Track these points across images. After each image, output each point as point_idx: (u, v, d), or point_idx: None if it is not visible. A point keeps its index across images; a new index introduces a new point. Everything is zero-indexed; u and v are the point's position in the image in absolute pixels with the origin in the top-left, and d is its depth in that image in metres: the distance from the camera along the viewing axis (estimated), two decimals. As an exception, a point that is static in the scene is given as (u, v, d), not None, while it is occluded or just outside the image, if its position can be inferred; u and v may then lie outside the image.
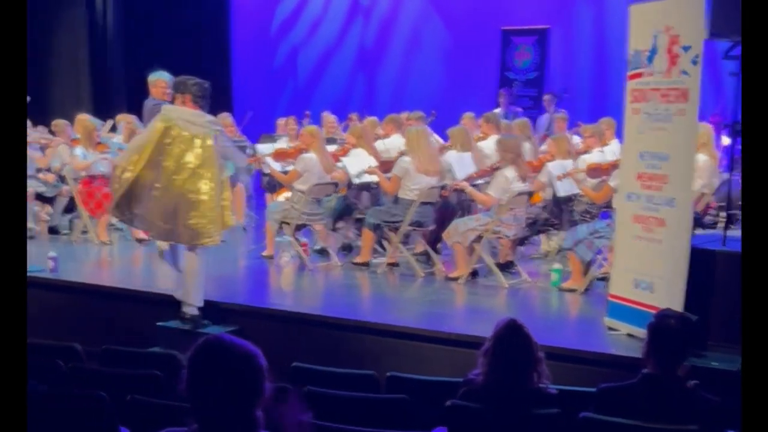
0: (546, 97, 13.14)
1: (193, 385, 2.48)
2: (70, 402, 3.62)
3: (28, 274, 8.04)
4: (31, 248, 8.52)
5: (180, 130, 6.61)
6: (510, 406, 3.90)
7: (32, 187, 10.08)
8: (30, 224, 9.56)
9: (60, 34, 14.31)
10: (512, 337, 4.01)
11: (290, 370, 5.09)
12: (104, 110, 12.56)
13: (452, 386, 4.37)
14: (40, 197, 10.44)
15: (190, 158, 6.61)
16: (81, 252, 9.49)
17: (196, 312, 6.99)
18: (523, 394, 3.94)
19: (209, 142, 6.66)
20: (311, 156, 8.70)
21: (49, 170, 10.73)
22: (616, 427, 3.73)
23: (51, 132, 11.01)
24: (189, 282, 6.99)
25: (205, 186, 6.63)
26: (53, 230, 10.47)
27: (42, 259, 8.38)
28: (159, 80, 8.59)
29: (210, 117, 6.92)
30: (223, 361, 2.48)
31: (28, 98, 8.94)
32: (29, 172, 9.97)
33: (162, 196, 6.65)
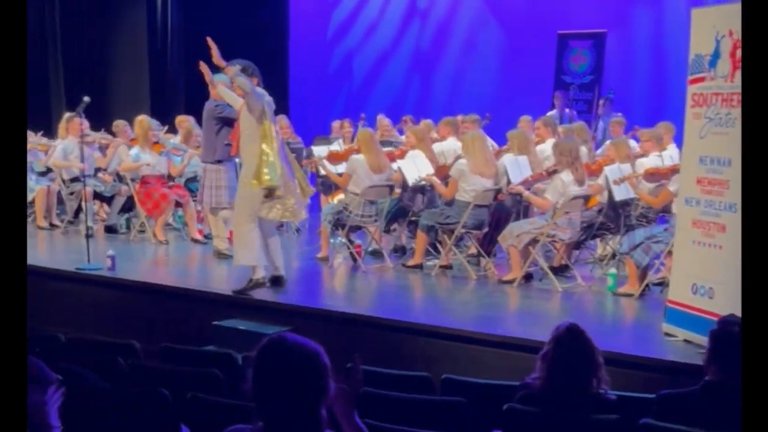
0: (601, 102, 13.02)
1: (258, 384, 2.49)
2: (133, 399, 3.65)
3: (87, 271, 8.22)
4: (90, 246, 8.70)
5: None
6: (568, 411, 3.87)
7: (91, 186, 10.25)
8: (88, 223, 9.70)
9: (120, 36, 14.52)
10: (572, 341, 3.97)
11: (345, 371, 5.11)
12: (163, 111, 12.72)
13: (508, 390, 4.35)
14: (99, 196, 10.60)
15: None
16: (138, 251, 9.62)
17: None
18: (582, 400, 3.90)
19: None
20: (359, 158, 8.75)
21: (105, 170, 10.91)
22: (675, 434, 3.68)
23: (111, 133, 11.18)
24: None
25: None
26: (110, 229, 10.64)
27: (100, 257, 8.53)
28: (220, 82, 8.68)
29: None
30: (287, 360, 2.49)
31: (88, 98, 9.16)
32: (89, 171, 10.14)
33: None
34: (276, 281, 7.75)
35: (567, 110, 13.14)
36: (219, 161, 8.71)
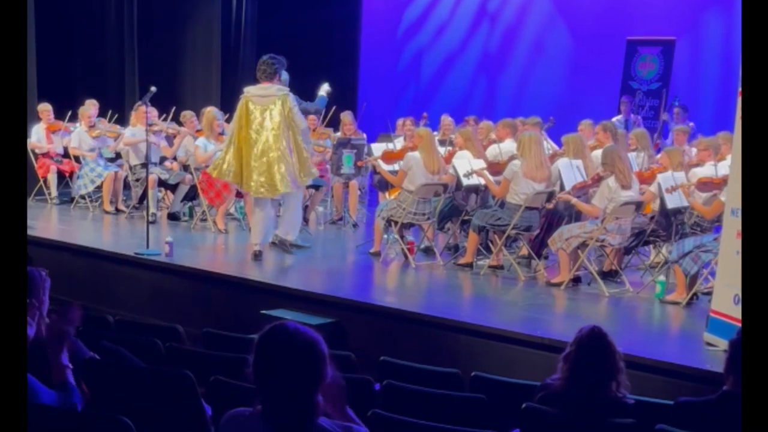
0: (676, 110, 12.89)
1: (258, 368, 2.63)
2: (161, 378, 3.82)
3: (145, 256, 8.48)
4: (152, 232, 8.97)
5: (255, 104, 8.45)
6: (586, 413, 3.91)
7: (156, 173, 10.55)
8: (152, 209, 10.00)
9: (195, 28, 14.84)
10: (595, 344, 4.00)
11: (378, 363, 5.22)
12: (232, 104, 12.96)
13: (533, 389, 4.41)
14: (163, 184, 10.89)
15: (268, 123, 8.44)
16: (198, 238, 9.86)
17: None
18: (600, 402, 3.94)
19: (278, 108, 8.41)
20: (415, 155, 8.85)
21: (175, 159, 11.20)
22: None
23: (179, 123, 11.47)
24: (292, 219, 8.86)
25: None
26: (173, 216, 10.91)
27: (161, 243, 8.78)
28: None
29: (278, 86, 8.54)
30: (286, 347, 2.63)
31: (154, 88, 9.44)
32: (154, 159, 10.43)
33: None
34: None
35: (633, 116, 13.05)
36: None
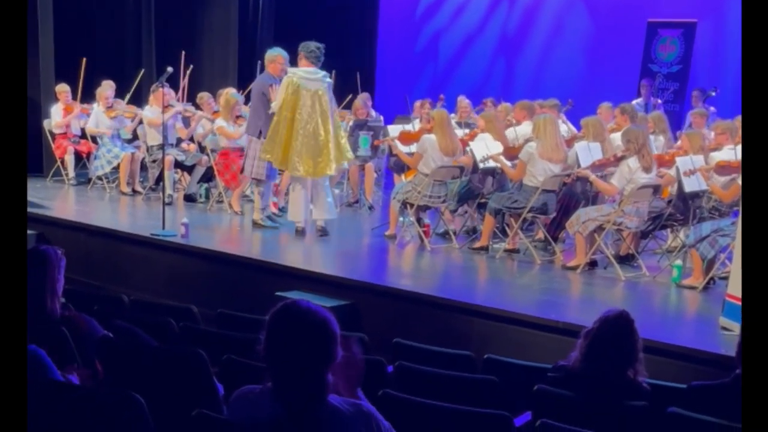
0: (694, 93, 12.81)
1: (269, 346, 2.63)
2: (174, 357, 3.83)
3: (161, 237, 8.51)
4: (168, 213, 9.00)
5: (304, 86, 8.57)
6: (600, 394, 3.90)
7: (172, 155, 10.57)
8: (168, 191, 10.02)
9: (213, 11, 14.81)
10: (619, 326, 3.99)
11: (391, 345, 5.23)
12: (249, 85, 12.96)
13: (545, 372, 4.40)
14: (180, 165, 10.91)
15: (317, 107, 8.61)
16: (213, 220, 9.87)
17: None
18: (616, 384, 3.92)
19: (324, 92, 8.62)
20: (430, 137, 8.82)
21: (192, 140, 11.22)
22: (703, 424, 3.67)
23: (196, 105, 11.47)
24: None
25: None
26: (189, 198, 10.93)
27: (177, 224, 8.80)
28: (279, 56, 9.01)
29: (323, 72, 8.71)
30: (297, 325, 2.62)
31: (171, 69, 9.45)
32: (170, 141, 10.45)
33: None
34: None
35: (653, 99, 12.96)
36: (261, 134, 8.96)
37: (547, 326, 6.38)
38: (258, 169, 9.06)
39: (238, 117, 10.55)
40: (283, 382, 2.64)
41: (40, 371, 3.03)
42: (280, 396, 2.65)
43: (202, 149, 11.08)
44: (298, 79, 8.60)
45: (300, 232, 8.95)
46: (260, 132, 8.94)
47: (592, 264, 8.08)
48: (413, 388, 4.01)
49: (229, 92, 11.00)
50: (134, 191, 11.27)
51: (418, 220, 9.05)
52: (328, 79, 8.80)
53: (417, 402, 3.72)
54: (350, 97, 12.14)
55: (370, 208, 11.10)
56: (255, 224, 9.37)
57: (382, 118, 11.68)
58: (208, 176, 10.98)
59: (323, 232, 9.02)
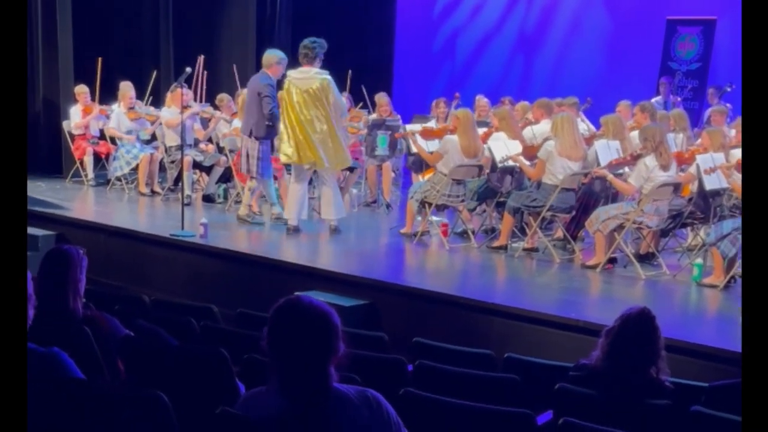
0: (710, 90, 12.75)
1: (272, 341, 2.66)
2: (195, 357, 3.84)
3: (180, 237, 8.53)
4: (186, 214, 9.03)
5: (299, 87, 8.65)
6: (622, 392, 3.88)
7: (191, 156, 10.60)
8: (187, 191, 10.05)
9: (231, 9, 14.84)
10: (641, 323, 3.96)
11: (411, 344, 5.22)
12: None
13: (568, 370, 4.38)
14: (198, 166, 10.94)
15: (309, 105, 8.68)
16: (232, 220, 9.88)
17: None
18: (638, 383, 3.90)
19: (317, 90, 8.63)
20: (452, 138, 8.80)
21: (210, 141, 11.25)
22: (726, 423, 3.65)
23: (214, 106, 11.51)
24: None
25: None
26: (207, 198, 10.96)
27: (195, 225, 8.83)
28: (274, 56, 9.15)
29: (317, 69, 8.71)
30: (300, 320, 2.66)
31: (189, 69, 9.48)
32: (188, 142, 10.48)
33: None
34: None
35: (672, 97, 12.90)
36: (252, 133, 9.10)
37: (567, 325, 6.37)
38: (250, 167, 9.17)
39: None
40: (287, 377, 2.68)
41: (63, 372, 3.04)
42: (285, 391, 2.68)
43: (220, 150, 11.11)
44: (291, 79, 8.80)
45: (292, 231, 9.01)
46: (251, 131, 9.05)
47: (611, 262, 8.04)
48: (434, 387, 4.00)
49: (246, 93, 11.00)
50: (153, 192, 11.31)
51: (435, 220, 9.05)
52: (326, 77, 8.73)
53: (438, 400, 3.72)
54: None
55: (388, 207, 11.09)
56: (240, 219, 9.54)
57: (399, 117, 11.67)
58: (226, 177, 11.02)
59: (336, 231, 9.10)
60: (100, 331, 3.87)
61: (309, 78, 8.68)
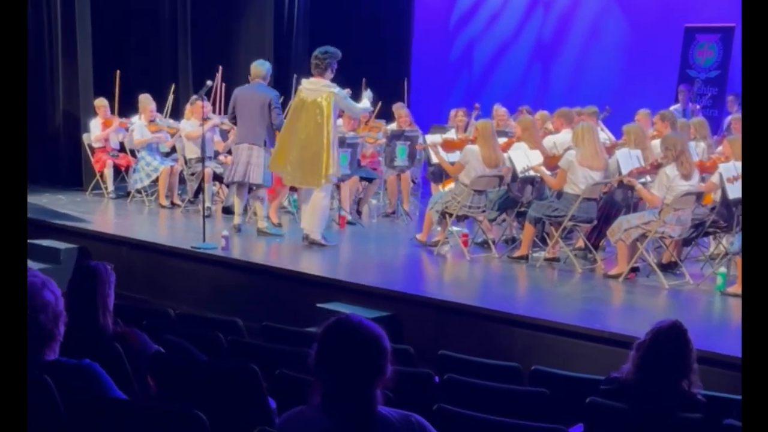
0: (729, 98, 12.70)
1: (320, 360, 2.64)
2: (225, 372, 3.84)
3: (202, 250, 8.55)
4: (207, 226, 9.04)
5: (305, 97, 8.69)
6: (654, 406, 3.85)
7: (210, 168, 10.63)
8: (207, 203, 10.08)
9: (248, 23, 14.89)
10: (672, 337, 3.94)
11: (437, 357, 5.20)
12: (286, 95, 13.01)
13: (596, 384, 4.36)
14: (218, 178, 10.96)
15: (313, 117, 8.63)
16: (252, 232, 9.87)
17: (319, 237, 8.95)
18: (670, 396, 3.87)
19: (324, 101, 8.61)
20: (473, 148, 8.79)
21: (229, 153, 11.26)
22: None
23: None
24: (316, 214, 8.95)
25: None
26: (227, 210, 10.96)
27: (216, 237, 8.84)
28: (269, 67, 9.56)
29: (326, 81, 8.70)
30: (350, 340, 2.63)
31: (210, 83, 9.52)
32: (208, 154, 10.50)
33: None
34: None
35: (691, 105, 12.86)
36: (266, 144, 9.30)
37: (591, 336, 6.33)
38: (254, 174, 9.29)
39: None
40: (333, 397, 2.65)
41: (96, 385, 3.04)
42: (330, 411, 2.66)
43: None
44: (302, 89, 8.86)
45: (307, 238, 9.01)
46: (265, 141, 9.23)
47: (634, 272, 8.01)
48: (462, 401, 3.98)
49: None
50: (173, 204, 11.34)
51: (455, 230, 9.03)
52: (333, 90, 8.70)
53: (471, 416, 3.70)
54: (380, 104, 12.15)
55: (406, 214, 11.09)
56: (260, 233, 9.52)
57: (418, 127, 11.67)
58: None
59: (307, 241, 9.00)
60: (130, 346, 3.87)
61: (317, 90, 8.70)
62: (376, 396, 2.64)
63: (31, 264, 8.95)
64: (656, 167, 7.97)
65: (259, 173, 9.28)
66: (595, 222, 8.48)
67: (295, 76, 12.30)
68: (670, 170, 7.69)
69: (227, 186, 11.05)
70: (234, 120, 9.52)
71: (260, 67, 9.47)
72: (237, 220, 9.71)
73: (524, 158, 8.79)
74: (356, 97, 9.63)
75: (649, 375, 3.87)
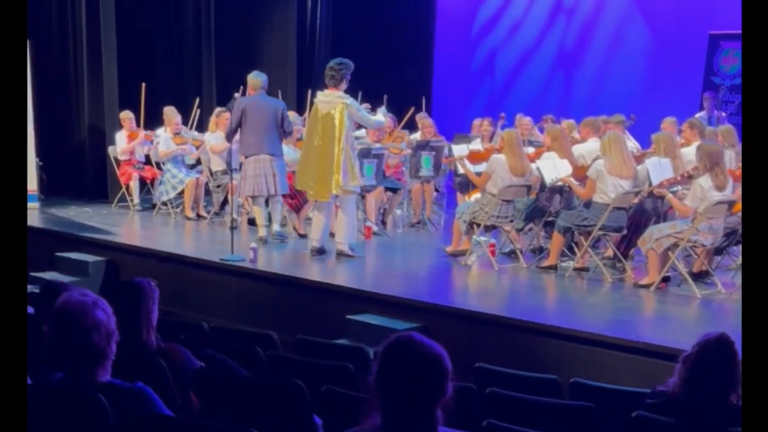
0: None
1: (381, 379, 2.60)
2: (270, 388, 3.82)
3: (231, 262, 8.54)
4: (235, 238, 9.04)
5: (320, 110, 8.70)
6: (703, 421, 3.80)
7: (236, 179, 10.62)
8: (233, 215, 10.07)
9: (271, 35, 14.95)
10: (720, 350, 3.89)
11: (473, 370, 5.17)
12: (309, 108, 13.05)
13: (639, 397, 4.32)
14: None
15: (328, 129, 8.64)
16: (278, 244, 9.88)
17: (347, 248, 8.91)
18: (718, 410, 3.82)
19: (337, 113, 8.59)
20: (500, 158, 8.77)
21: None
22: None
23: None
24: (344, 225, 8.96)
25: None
26: (253, 222, 10.95)
27: (243, 248, 8.85)
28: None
29: (339, 93, 8.69)
30: (412, 360, 2.59)
31: (238, 95, 9.55)
32: (234, 166, 10.51)
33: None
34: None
35: (716, 112, 12.78)
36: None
37: (627, 347, 6.28)
38: (277, 185, 9.53)
39: (298, 140, 10.58)
40: (394, 417, 2.62)
41: (149, 409, 3.04)
42: (391, 431, 2.62)
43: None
44: (317, 101, 8.89)
45: (315, 251, 9.01)
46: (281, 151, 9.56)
47: (665, 281, 7.95)
48: (506, 416, 3.96)
49: (290, 115, 11.06)
50: (198, 216, 11.36)
51: (482, 240, 9.01)
52: (346, 101, 8.68)
53: (515, 430, 3.67)
54: (412, 110, 12.17)
55: (429, 222, 11.07)
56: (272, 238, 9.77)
57: (443, 138, 11.66)
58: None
59: (315, 253, 9.01)
60: (173, 362, 3.86)
61: (331, 102, 8.70)
62: (437, 416, 2.61)
63: (60, 277, 9.01)
64: (687, 178, 7.92)
65: (284, 182, 9.52)
66: (625, 231, 8.42)
67: (309, 90, 12.35)
68: (704, 182, 7.62)
69: (253, 199, 11.07)
70: (235, 131, 9.62)
71: (258, 78, 9.60)
72: (262, 232, 9.72)
73: (553, 168, 8.75)
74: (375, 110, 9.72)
75: (697, 388, 3.82)
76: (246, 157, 9.60)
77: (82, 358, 2.93)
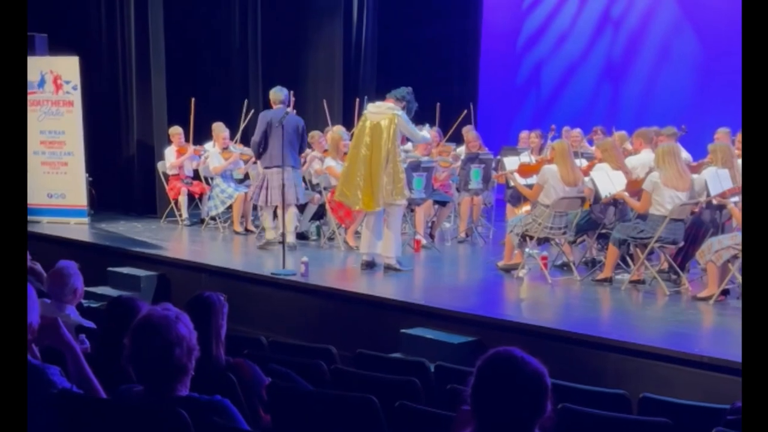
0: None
1: (478, 394, 2.54)
2: (340, 403, 3.78)
3: (282, 276, 8.54)
4: (282, 252, 9.04)
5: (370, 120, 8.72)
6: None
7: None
8: (281, 229, 10.09)
9: (317, 52, 15.01)
10: None
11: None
12: (354, 122, 13.05)
13: (714, 413, 4.22)
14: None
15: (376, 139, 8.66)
16: (328, 257, 9.90)
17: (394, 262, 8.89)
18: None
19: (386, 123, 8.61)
20: (551, 168, 8.70)
21: (302, 179, 11.27)
22: None
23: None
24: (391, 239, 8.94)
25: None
26: (301, 236, 10.94)
27: (293, 263, 8.84)
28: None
29: (391, 104, 8.76)
30: (512, 375, 2.52)
31: (290, 109, 9.59)
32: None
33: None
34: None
35: None
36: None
37: (685, 360, 6.17)
38: (297, 195, 9.86)
39: (344, 154, 10.57)
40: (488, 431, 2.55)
41: (230, 420, 3.01)
42: None
43: (313, 187, 11.14)
44: (366, 113, 8.93)
45: (365, 265, 8.99)
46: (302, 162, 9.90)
47: (724, 294, 7.81)
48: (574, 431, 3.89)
49: (336, 130, 11.10)
50: (247, 230, 11.38)
51: (535, 253, 8.92)
52: (396, 112, 8.67)
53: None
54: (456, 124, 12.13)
55: (479, 234, 11.01)
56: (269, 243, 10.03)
57: (490, 152, 11.59)
58: (319, 214, 11.02)
59: (366, 267, 9.02)
60: (242, 377, 3.84)
61: (381, 112, 8.73)
62: None
63: (112, 291, 9.05)
64: (747, 188, 7.79)
65: (302, 192, 9.98)
66: (682, 243, 8.29)
67: (357, 99, 12.36)
68: (766, 192, 7.48)
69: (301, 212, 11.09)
70: (262, 143, 9.76)
71: (280, 93, 9.84)
72: (270, 234, 10.14)
73: (607, 179, 8.65)
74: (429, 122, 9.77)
75: None
76: (266, 168, 9.84)
77: (164, 372, 2.91)
